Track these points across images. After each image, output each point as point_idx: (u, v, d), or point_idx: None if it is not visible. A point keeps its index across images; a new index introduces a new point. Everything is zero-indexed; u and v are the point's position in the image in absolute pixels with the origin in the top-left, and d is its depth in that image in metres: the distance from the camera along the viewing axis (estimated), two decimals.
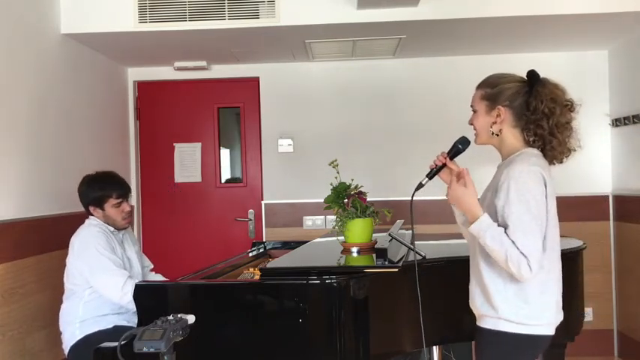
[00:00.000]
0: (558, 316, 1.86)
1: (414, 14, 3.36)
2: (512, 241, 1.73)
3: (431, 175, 2.02)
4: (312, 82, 4.40)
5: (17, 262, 2.90)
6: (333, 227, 2.65)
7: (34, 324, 3.02)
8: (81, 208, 3.51)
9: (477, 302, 1.90)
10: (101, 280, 2.65)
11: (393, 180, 4.31)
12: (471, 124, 1.99)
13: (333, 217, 2.62)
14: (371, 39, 3.76)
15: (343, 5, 3.37)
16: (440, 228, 4.02)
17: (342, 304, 2.14)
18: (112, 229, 2.86)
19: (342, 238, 2.61)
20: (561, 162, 1.90)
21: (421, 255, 2.47)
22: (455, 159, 2.00)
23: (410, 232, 3.34)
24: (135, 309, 2.56)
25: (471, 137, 2.01)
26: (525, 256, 1.71)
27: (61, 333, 2.76)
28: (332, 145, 4.31)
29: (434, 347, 2.82)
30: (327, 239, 3.23)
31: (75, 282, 2.72)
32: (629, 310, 4.07)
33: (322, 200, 2.66)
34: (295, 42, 3.79)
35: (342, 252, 2.59)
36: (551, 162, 1.90)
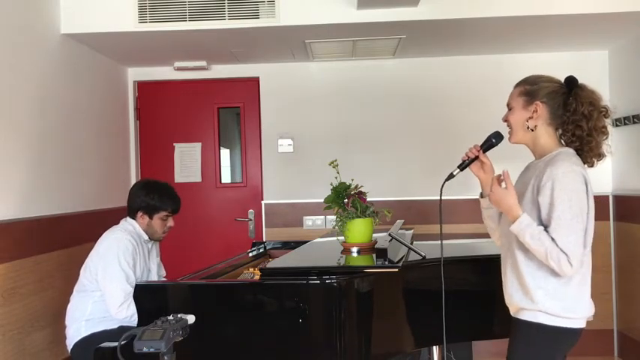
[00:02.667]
0: (592, 310, 1.91)
1: (414, 14, 3.36)
2: (553, 239, 1.78)
3: (463, 167, 2.08)
4: (312, 82, 4.40)
5: (17, 262, 2.90)
6: (333, 227, 2.65)
7: (34, 324, 3.02)
8: (81, 208, 3.54)
9: (514, 297, 1.93)
10: (107, 287, 2.65)
11: (393, 180, 4.31)
12: (505, 121, 2.04)
13: (333, 217, 2.62)
14: (371, 39, 3.76)
15: (343, 5, 3.37)
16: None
17: (342, 304, 2.14)
18: (145, 237, 2.86)
19: (342, 238, 2.61)
20: (592, 165, 1.95)
21: (421, 255, 2.47)
22: (487, 153, 2.07)
23: (410, 232, 3.34)
24: (128, 323, 2.58)
25: (504, 133, 2.06)
26: (565, 253, 1.77)
27: (65, 327, 2.77)
28: (332, 145, 4.31)
29: (434, 347, 2.82)
30: (327, 239, 3.23)
31: (90, 278, 2.73)
32: (629, 310, 4.07)
33: (322, 200, 2.66)
34: (295, 42, 3.79)
35: (342, 252, 2.59)
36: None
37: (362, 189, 2.64)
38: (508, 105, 2.03)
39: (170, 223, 2.91)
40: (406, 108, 4.35)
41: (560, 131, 1.96)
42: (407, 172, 4.33)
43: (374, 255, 2.48)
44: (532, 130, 1.96)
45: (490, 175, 2.08)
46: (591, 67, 4.25)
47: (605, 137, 1.93)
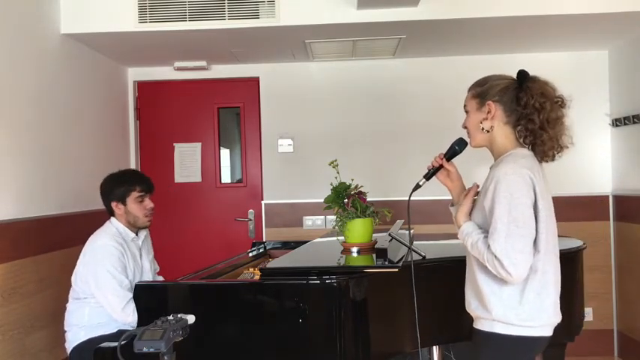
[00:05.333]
0: (556, 318, 1.85)
1: (414, 14, 3.36)
2: (489, 245, 1.74)
3: (428, 176, 2.06)
4: (312, 82, 4.40)
5: (17, 262, 2.89)
6: (333, 227, 2.65)
7: (34, 324, 3.02)
8: (81, 208, 3.54)
9: (472, 305, 1.91)
10: (104, 297, 2.62)
11: (393, 180, 4.30)
12: (465, 126, 2.01)
13: (333, 217, 2.62)
14: (371, 39, 3.76)
15: (343, 5, 3.37)
16: (438, 228, 4.03)
17: (342, 304, 2.14)
18: (132, 235, 2.82)
19: (342, 238, 2.61)
20: (553, 159, 1.89)
21: (421, 255, 2.47)
22: (452, 160, 2.04)
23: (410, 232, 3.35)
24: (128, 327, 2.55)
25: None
26: (498, 259, 1.71)
27: (64, 331, 2.76)
28: (332, 145, 4.31)
29: (434, 347, 2.82)
30: (327, 239, 3.23)
31: (82, 287, 2.70)
32: (629, 310, 4.07)
33: (322, 200, 2.66)
34: (295, 42, 3.79)
35: (342, 252, 2.59)
36: (542, 159, 1.89)
37: (362, 189, 2.64)
38: (465, 108, 2.00)
39: (148, 204, 2.84)
40: (406, 108, 4.35)
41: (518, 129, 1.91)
42: (407, 172, 4.31)
43: (374, 255, 2.48)
44: (488, 132, 1.91)
45: (457, 182, 2.06)
46: (591, 67, 4.25)
47: (561, 128, 1.86)
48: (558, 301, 1.87)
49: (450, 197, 2.09)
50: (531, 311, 1.78)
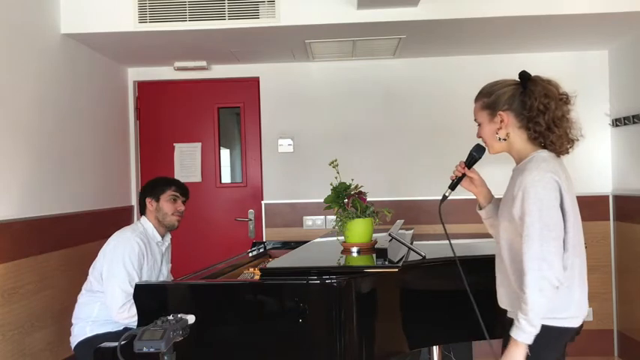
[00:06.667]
0: (584, 310, 1.90)
1: (414, 14, 3.36)
2: (524, 262, 1.76)
3: (453, 186, 2.10)
4: (312, 82, 4.40)
5: (17, 262, 2.90)
6: (333, 227, 2.65)
7: (34, 324, 3.02)
8: (81, 208, 3.54)
9: (504, 301, 1.96)
10: (110, 288, 2.67)
11: (393, 180, 4.31)
12: (480, 136, 2.03)
13: (333, 217, 2.62)
14: (371, 39, 3.76)
15: (343, 5, 3.37)
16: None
17: (342, 304, 2.14)
18: (157, 239, 2.90)
19: (342, 238, 2.61)
20: (568, 152, 1.92)
21: (421, 255, 2.47)
22: (473, 166, 2.08)
23: (410, 232, 3.35)
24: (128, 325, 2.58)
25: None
26: (535, 268, 1.74)
27: (71, 324, 2.79)
28: (332, 145, 4.31)
29: (434, 347, 2.82)
30: (327, 239, 3.23)
31: (97, 278, 2.75)
32: (629, 310, 4.07)
33: (322, 200, 2.66)
34: (295, 42, 3.79)
35: (342, 252, 2.59)
36: (558, 155, 1.92)
37: (362, 189, 2.64)
38: (476, 121, 2.01)
39: (180, 206, 2.93)
40: (406, 108, 4.36)
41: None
42: (407, 172, 4.33)
43: (374, 255, 2.48)
44: (505, 140, 1.94)
45: (482, 188, 2.09)
46: (591, 67, 4.25)
47: (568, 125, 1.89)
48: (586, 291, 1.93)
49: (474, 197, 2.14)
50: (559, 305, 1.83)
